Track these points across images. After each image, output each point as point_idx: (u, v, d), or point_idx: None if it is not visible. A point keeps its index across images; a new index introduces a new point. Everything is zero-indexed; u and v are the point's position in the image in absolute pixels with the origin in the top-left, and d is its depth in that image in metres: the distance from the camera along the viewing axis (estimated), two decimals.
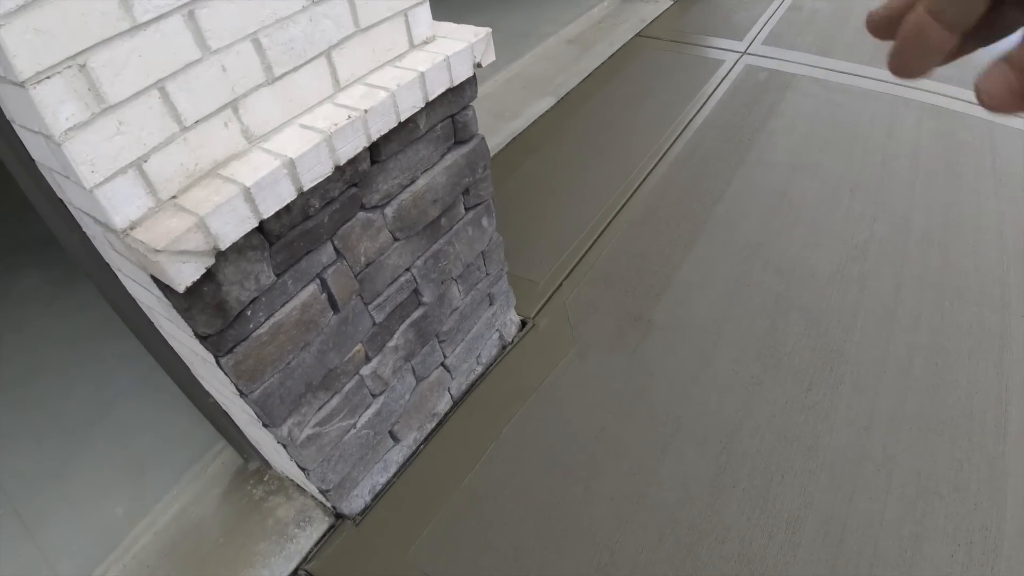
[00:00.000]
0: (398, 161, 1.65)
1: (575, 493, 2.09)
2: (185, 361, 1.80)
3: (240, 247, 1.31)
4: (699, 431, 2.24)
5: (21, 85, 0.97)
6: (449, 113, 1.77)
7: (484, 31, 1.73)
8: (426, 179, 1.76)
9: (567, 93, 4.35)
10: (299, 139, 1.33)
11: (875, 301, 2.67)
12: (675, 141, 3.70)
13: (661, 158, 3.57)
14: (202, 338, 1.36)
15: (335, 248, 1.57)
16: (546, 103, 4.26)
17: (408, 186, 1.72)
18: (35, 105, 0.99)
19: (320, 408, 1.72)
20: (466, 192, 1.95)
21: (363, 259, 1.65)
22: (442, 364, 2.16)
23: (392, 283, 1.79)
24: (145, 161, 1.16)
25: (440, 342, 2.10)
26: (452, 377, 2.25)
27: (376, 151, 1.56)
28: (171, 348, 1.77)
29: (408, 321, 1.92)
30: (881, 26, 0.40)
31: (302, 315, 1.53)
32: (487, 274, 2.22)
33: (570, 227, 3.13)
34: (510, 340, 2.54)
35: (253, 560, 2.00)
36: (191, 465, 2.28)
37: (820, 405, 2.30)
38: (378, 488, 2.10)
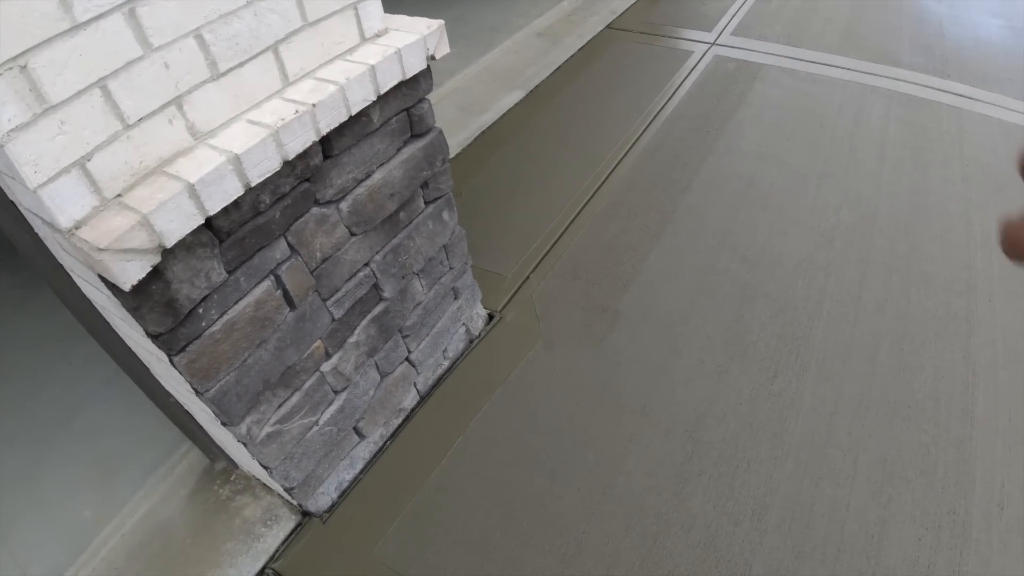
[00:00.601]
0: (352, 155, 1.66)
1: (542, 485, 2.12)
2: (144, 362, 1.81)
3: (188, 244, 1.32)
4: (665, 420, 2.27)
5: None
6: (404, 106, 1.78)
7: (437, 23, 1.75)
8: (382, 173, 1.77)
9: (536, 86, 4.37)
10: (246, 134, 1.34)
11: (841, 288, 2.72)
12: (643, 132, 3.73)
13: (629, 149, 3.60)
14: (154, 337, 1.37)
15: (289, 244, 1.58)
16: (515, 96, 4.28)
17: (364, 180, 1.73)
18: None
19: (280, 405, 1.73)
20: (425, 186, 1.97)
21: (319, 255, 1.67)
22: (407, 359, 2.18)
23: (351, 278, 1.80)
24: (88, 160, 1.17)
25: (404, 337, 2.12)
26: (418, 372, 2.26)
27: (328, 145, 1.57)
28: (129, 349, 1.78)
29: (369, 316, 1.93)
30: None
31: (256, 312, 1.54)
32: (450, 268, 2.24)
33: (538, 220, 3.15)
34: (477, 334, 2.56)
35: (220, 560, 2.01)
36: (158, 466, 2.29)
37: (786, 392, 2.34)
38: (344, 485, 2.12)
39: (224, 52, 1.32)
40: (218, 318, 1.46)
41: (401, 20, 1.77)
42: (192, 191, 1.23)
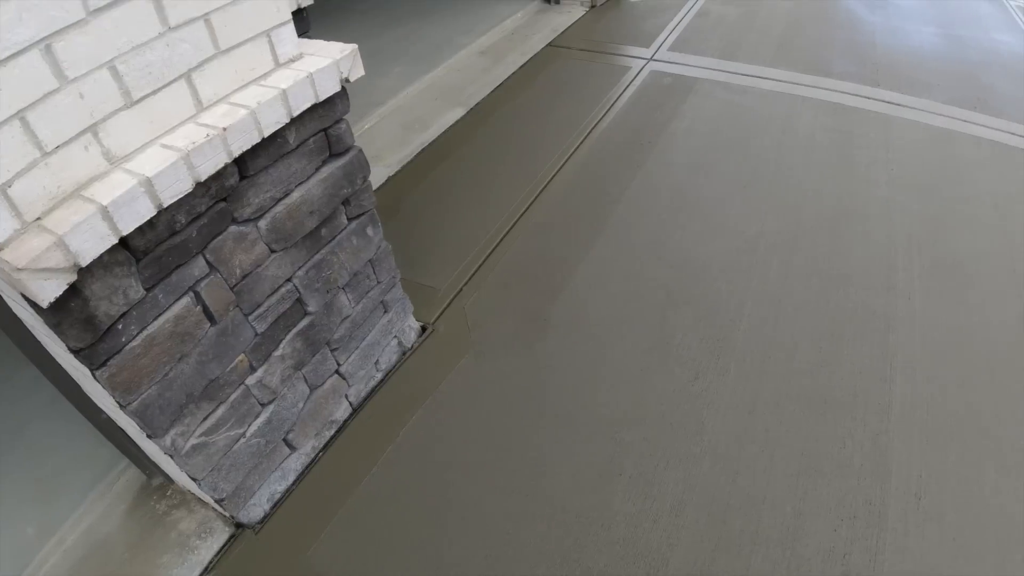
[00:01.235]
0: (269, 175, 1.79)
1: (470, 490, 2.25)
2: (74, 379, 1.91)
3: (106, 263, 1.44)
4: (590, 423, 2.43)
5: None
6: (321, 127, 1.92)
7: (350, 47, 1.90)
8: (301, 192, 1.91)
9: (478, 103, 4.56)
10: (159, 158, 1.47)
11: (762, 291, 2.91)
12: (579, 146, 3.93)
13: (565, 163, 3.79)
14: (75, 352, 1.48)
15: (207, 261, 1.70)
16: (456, 113, 4.46)
17: (282, 199, 1.86)
18: None
19: (205, 418, 1.85)
20: (347, 203, 2.11)
21: (239, 271, 1.79)
22: (336, 372, 2.31)
23: (272, 294, 1.93)
24: (9, 187, 1.29)
25: (332, 350, 2.25)
26: (349, 384, 2.39)
27: (244, 166, 1.70)
28: (60, 366, 1.88)
29: (295, 330, 2.06)
30: None
31: (176, 327, 1.66)
32: (378, 282, 2.38)
33: (473, 233, 3.31)
34: (409, 346, 2.70)
35: (157, 573, 2.10)
36: (98, 483, 2.38)
37: (706, 392, 2.51)
38: (277, 496, 2.23)
39: (137, 81, 1.46)
40: (138, 333, 1.58)
41: (317, 45, 1.92)
42: (105, 213, 1.35)
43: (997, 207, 3.57)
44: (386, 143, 4.16)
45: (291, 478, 2.27)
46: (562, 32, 5.60)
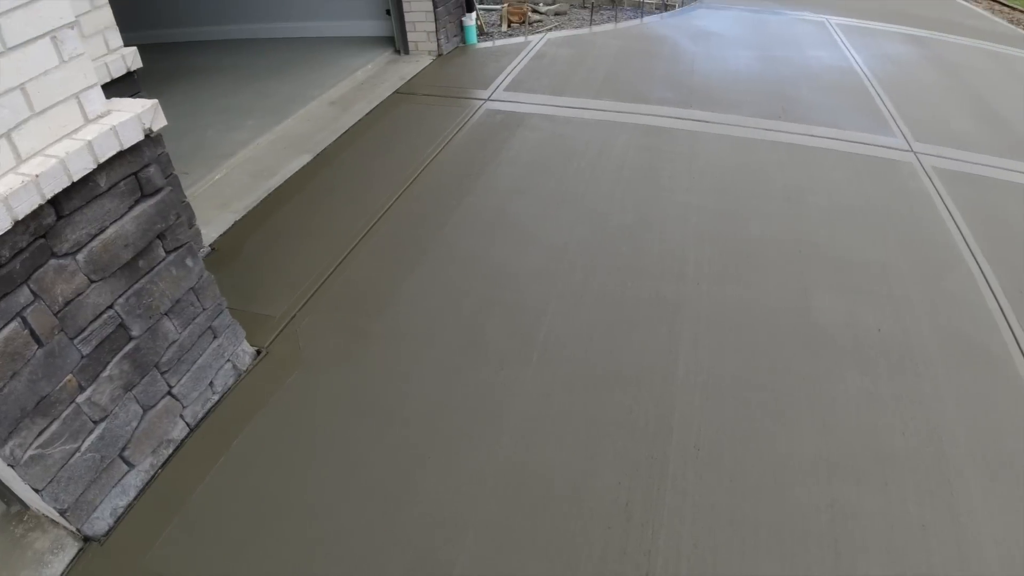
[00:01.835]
0: (84, 214, 2.18)
1: (293, 485, 2.62)
2: None
3: None
4: (404, 417, 2.86)
5: None
6: (131, 171, 2.32)
7: (151, 103, 2.32)
8: (116, 228, 2.30)
9: (323, 149, 5.03)
10: None
11: (566, 290, 3.45)
12: (415, 180, 4.45)
13: (400, 195, 4.29)
14: None
15: (31, 290, 2.06)
16: (303, 160, 4.91)
17: (98, 235, 2.25)
18: None
19: (41, 432, 2.18)
20: (163, 237, 2.50)
21: (61, 299, 2.16)
22: (169, 393, 2.66)
23: (95, 319, 2.29)
24: None
25: (162, 372, 2.61)
26: (184, 405, 2.75)
27: (60, 207, 2.08)
28: None
29: (121, 353, 2.42)
30: None
31: (6, 348, 2.01)
32: (204, 309, 2.76)
33: (310, 266, 3.74)
34: (244, 368, 3.08)
35: None
36: None
37: (509, 380, 3.00)
38: (120, 511, 2.55)
39: None
40: None
41: (125, 103, 2.33)
42: None
43: (788, 199, 4.26)
44: (235, 191, 4.55)
45: (132, 494, 2.59)
46: (409, 80, 6.17)
